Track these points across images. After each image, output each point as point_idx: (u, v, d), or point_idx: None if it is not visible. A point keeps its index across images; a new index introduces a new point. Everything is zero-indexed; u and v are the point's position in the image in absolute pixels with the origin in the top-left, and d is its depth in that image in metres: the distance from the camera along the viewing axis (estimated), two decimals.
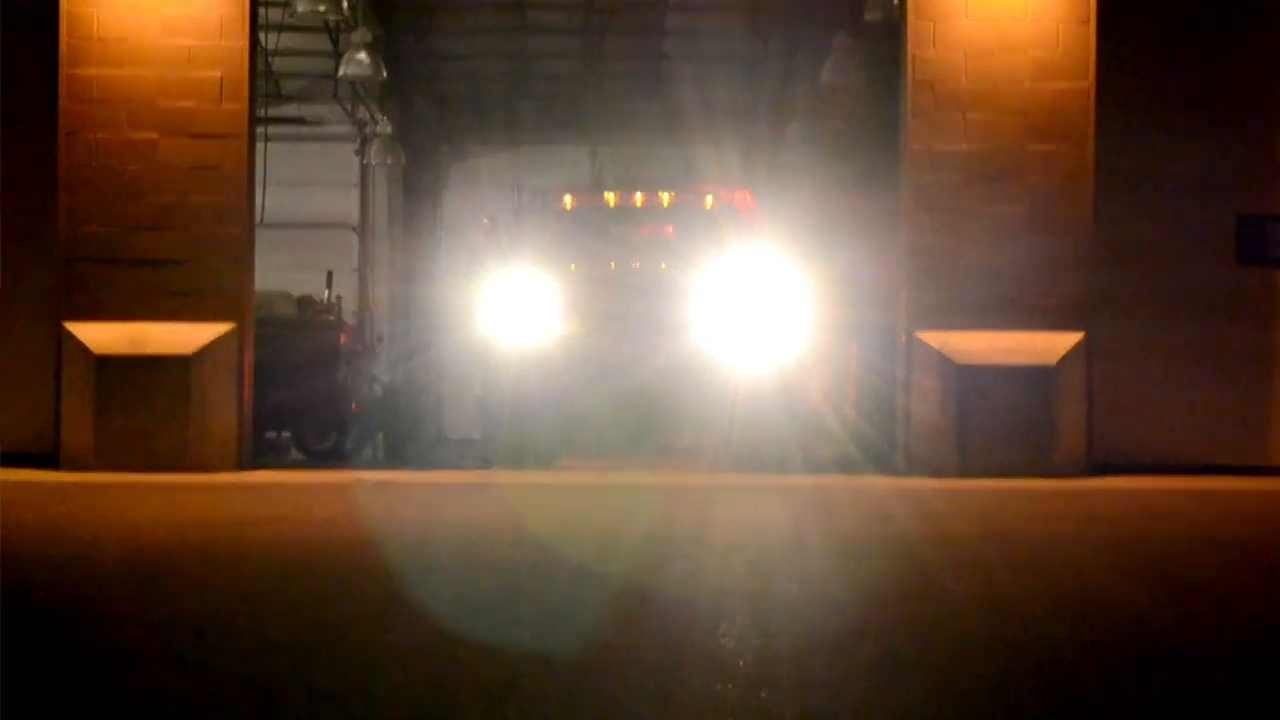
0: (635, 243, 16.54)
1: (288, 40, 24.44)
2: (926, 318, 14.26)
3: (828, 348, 16.52)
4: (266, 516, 11.21)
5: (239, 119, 14.31)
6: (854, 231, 19.96)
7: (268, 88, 25.38)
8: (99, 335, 14.06)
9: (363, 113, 28.55)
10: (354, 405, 21.46)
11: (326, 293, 22.35)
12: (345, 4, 22.07)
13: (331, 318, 21.82)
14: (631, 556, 9.36)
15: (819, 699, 5.78)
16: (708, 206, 16.49)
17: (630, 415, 14.51)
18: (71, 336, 14.05)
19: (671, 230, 16.56)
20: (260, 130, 15.98)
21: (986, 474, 13.73)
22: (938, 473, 13.87)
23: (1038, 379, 14.01)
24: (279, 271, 21.09)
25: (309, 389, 19.60)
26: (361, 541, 9.96)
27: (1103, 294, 14.27)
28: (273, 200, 22.26)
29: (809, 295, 15.15)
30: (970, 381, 14.03)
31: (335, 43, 25.16)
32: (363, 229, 29.21)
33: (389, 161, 28.81)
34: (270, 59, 25.01)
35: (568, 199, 16.70)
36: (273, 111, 25.87)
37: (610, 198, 16.90)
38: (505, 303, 14.85)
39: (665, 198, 16.67)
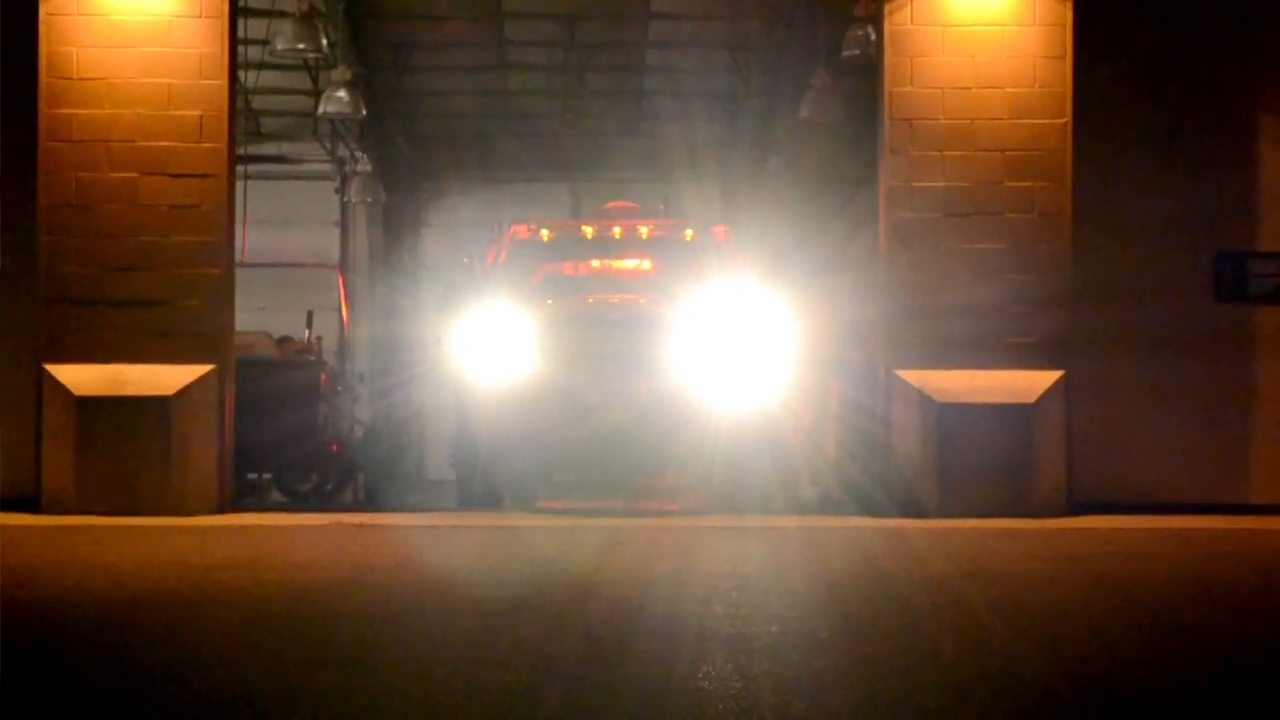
0: (613, 276, 16.40)
1: (267, 78, 24.51)
2: (906, 355, 14.27)
3: (808, 385, 16.49)
4: (246, 559, 11.17)
5: (219, 158, 14.30)
6: (834, 268, 19.98)
7: (247, 126, 25.46)
8: (79, 377, 14.02)
9: (343, 151, 28.57)
10: (334, 446, 21.39)
11: (307, 332, 22.31)
12: (325, 42, 22.09)
13: (312, 358, 21.77)
14: (611, 598, 9.33)
15: None
16: (687, 239, 16.41)
17: (609, 454, 14.36)
18: (52, 378, 14.00)
19: (650, 264, 16.46)
20: (240, 169, 15.97)
21: (967, 512, 13.71)
22: (919, 512, 13.86)
23: (1017, 417, 14.01)
24: (260, 312, 21.08)
25: (289, 430, 19.54)
26: (341, 584, 9.93)
27: (1082, 332, 14.27)
28: (253, 239, 22.25)
29: (790, 332, 15.11)
30: (950, 420, 14.02)
31: (315, 81, 25.22)
32: (343, 267, 29.18)
33: (369, 200, 28.84)
34: (250, 97, 25.09)
35: (544, 231, 16.57)
36: (252, 150, 25.94)
37: (588, 230, 16.77)
38: (479, 339, 14.70)
39: (644, 231, 16.55)
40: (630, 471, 14.29)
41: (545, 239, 16.43)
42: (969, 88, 14.30)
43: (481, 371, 14.65)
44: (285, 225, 27.38)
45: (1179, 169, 14.75)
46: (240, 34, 15.66)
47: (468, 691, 6.52)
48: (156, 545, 11.85)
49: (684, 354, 14.64)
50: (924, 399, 14.09)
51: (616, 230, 16.57)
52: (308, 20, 21.36)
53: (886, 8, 14.43)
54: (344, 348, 27.14)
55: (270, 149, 27.77)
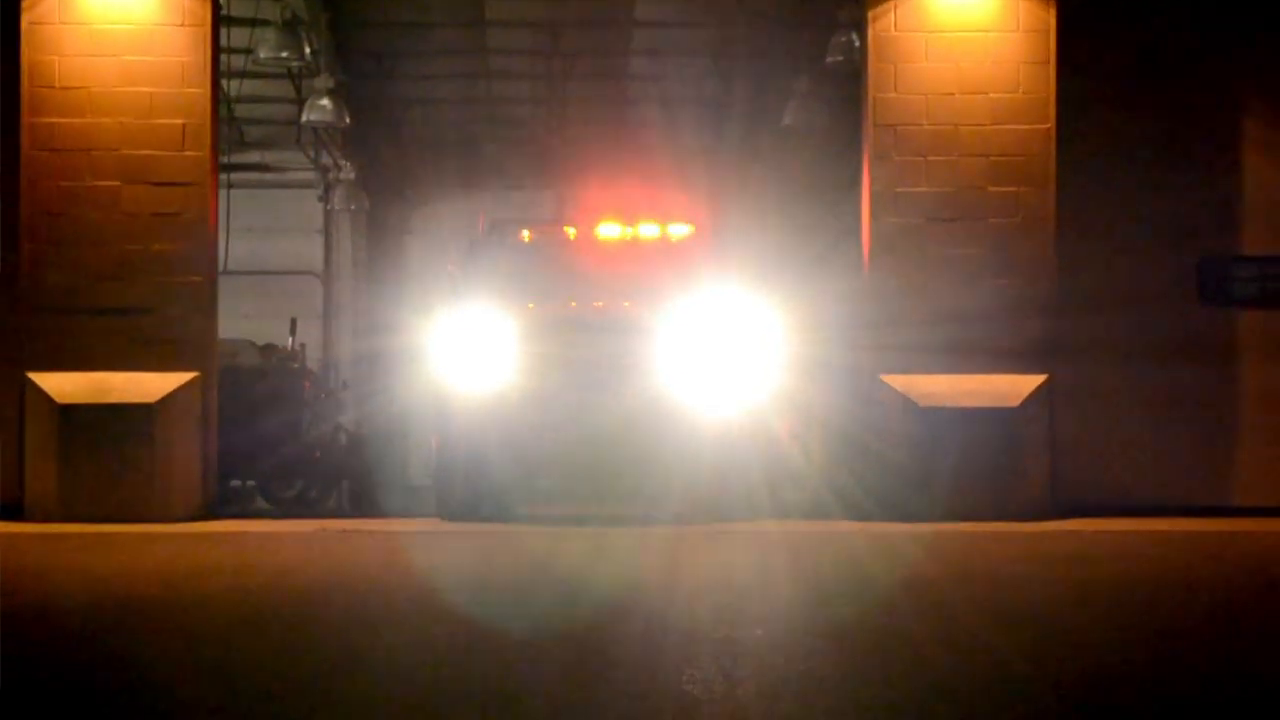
0: (598, 279, 16.21)
1: (250, 87, 24.43)
2: (891, 360, 14.28)
3: (795, 390, 16.47)
4: (229, 566, 11.15)
5: (201, 166, 14.28)
6: (819, 272, 19.99)
7: (230, 134, 25.40)
8: (62, 384, 13.99)
9: (326, 159, 28.51)
10: (318, 453, 21.36)
11: (290, 340, 22.27)
12: (308, 50, 22.05)
13: (296, 365, 21.74)
14: (596, 603, 9.32)
15: None
16: (671, 242, 16.29)
17: (594, 460, 14.27)
18: (35, 386, 13.97)
19: (635, 267, 16.31)
20: (223, 177, 15.94)
21: (952, 516, 13.71)
22: (905, 515, 13.85)
23: (1001, 421, 14.02)
24: (243, 319, 21.04)
25: (273, 437, 19.51)
26: (324, 590, 9.91)
27: (1066, 336, 14.29)
28: (237, 247, 22.20)
29: (775, 336, 15.08)
30: (934, 424, 14.03)
31: (298, 89, 25.15)
32: (327, 275, 29.14)
33: (352, 207, 28.78)
34: (232, 106, 25.02)
35: (526, 233, 16.35)
36: (235, 158, 25.87)
37: (571, 232, 16.58)
38: (460, 343, 14.53)
39: (629, 233, 16.39)
40: (615, 477, 14.22)
41: (527, 239, 16.26)
42: (953, 93, 14.32)
43: (462, 377, 14.46)
44: (269, 233, 27.35)
45: (1165, 175, 14.77)
46: (223, 42, 15.63)
47: (454, 695, 6.51)
48: (140, 552, 11.83)
49: (668, 358, 14.54)
50: (909, 403, 14.10)
51: (601, 232, 16.42)
52: (291, 28, 21.34)
53: (870, 14, 14.44)
54: (327, 355, 27.08)
55: (254, 157, 27.69)
